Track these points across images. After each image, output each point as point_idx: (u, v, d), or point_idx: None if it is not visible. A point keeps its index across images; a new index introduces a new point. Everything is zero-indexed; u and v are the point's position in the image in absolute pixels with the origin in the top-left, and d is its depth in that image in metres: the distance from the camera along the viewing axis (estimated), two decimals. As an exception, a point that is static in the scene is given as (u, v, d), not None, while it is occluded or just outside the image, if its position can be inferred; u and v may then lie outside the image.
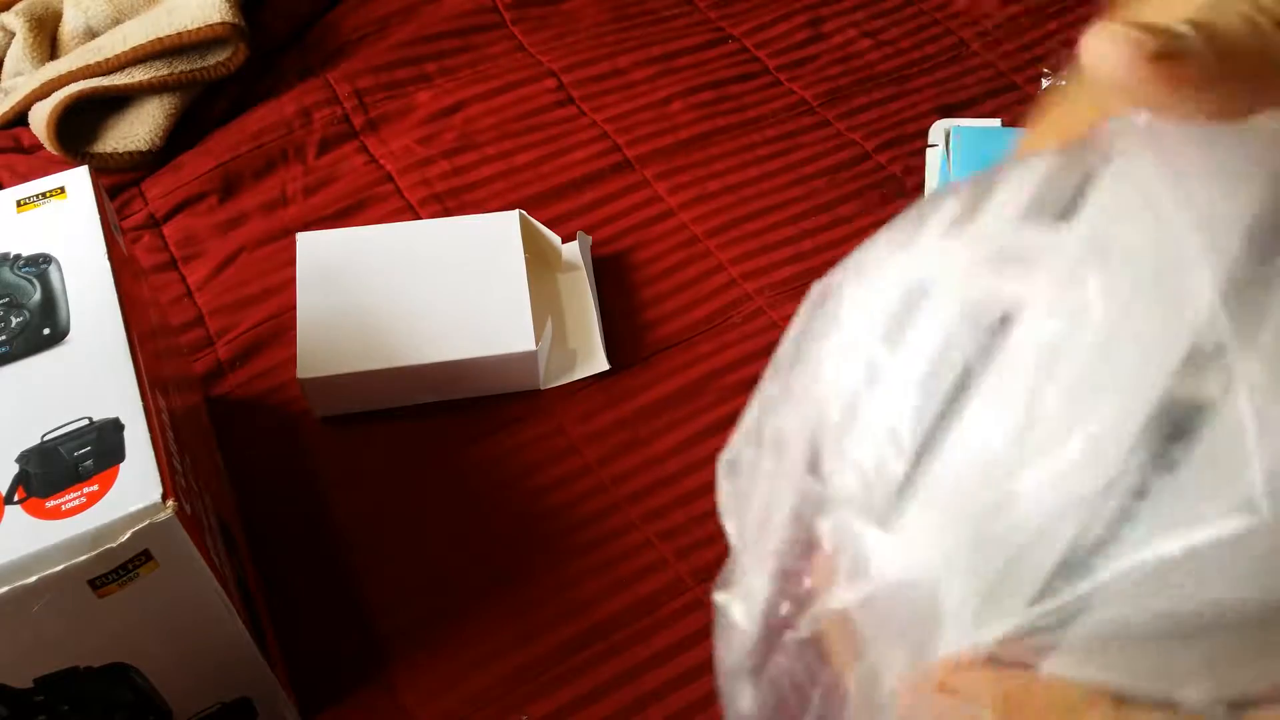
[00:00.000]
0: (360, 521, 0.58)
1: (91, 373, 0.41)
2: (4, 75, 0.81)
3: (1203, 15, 0.20)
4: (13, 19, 0.81)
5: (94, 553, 0.37)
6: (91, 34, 0.80)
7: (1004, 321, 0.19)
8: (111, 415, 0.40)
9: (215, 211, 0.72)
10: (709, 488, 0.58)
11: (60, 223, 0.47)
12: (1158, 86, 0.20)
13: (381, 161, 0.74)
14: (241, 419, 0.62)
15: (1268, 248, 0.18)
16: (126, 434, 0.39)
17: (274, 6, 0.83)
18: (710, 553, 0.55)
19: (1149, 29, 0.20)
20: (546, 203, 0.71)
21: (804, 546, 0.21)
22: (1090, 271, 0.19)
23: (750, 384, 0.63)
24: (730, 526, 0.23)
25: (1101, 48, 0.20)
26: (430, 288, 0.62)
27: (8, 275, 0.45)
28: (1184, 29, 0.20)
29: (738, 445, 0.24)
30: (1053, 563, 0.18)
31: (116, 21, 0.80)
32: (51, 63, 0.78)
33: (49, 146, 0.73)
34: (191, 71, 0.75)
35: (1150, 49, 0.19)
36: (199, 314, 0.67)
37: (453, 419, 0.61)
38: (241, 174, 0.74)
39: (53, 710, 0.41)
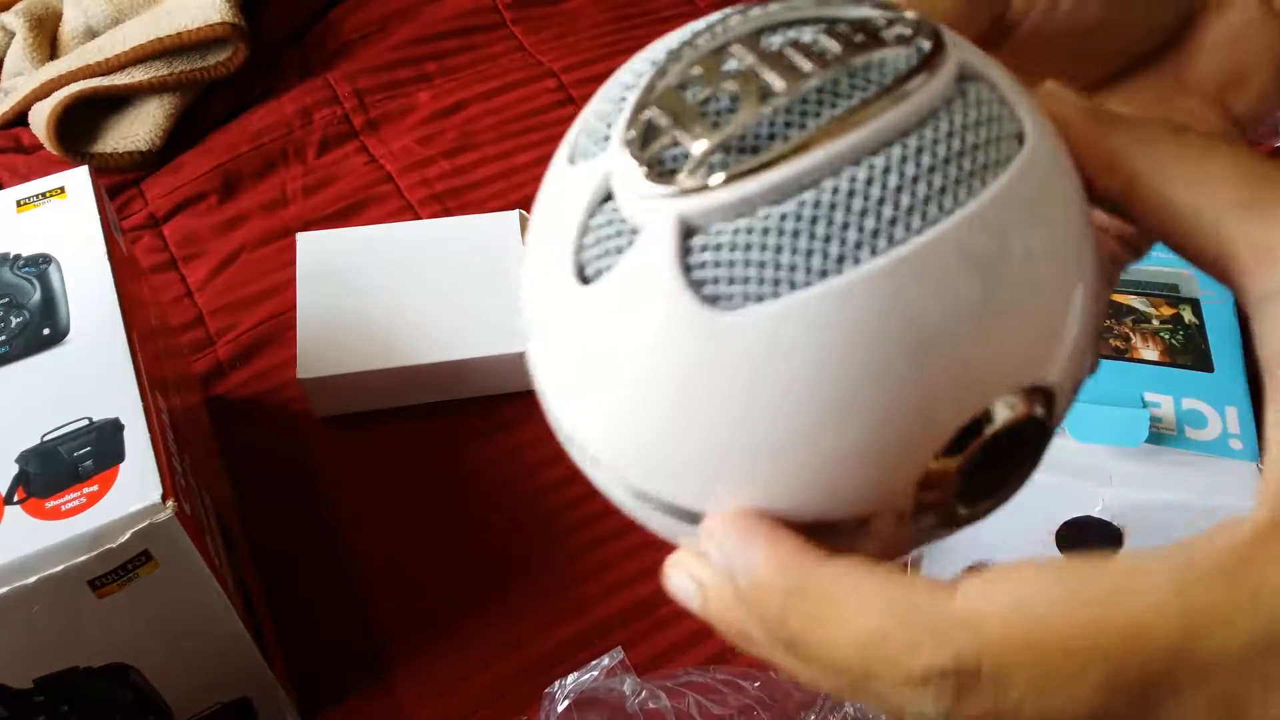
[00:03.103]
0: (360, 521, 0.58)
1: (91, 373, 0.41)
2: (4, 75, 0.81)
3: None
4: (13, 19, 0.81)
5: (94, 553, 0.37)
6: (91, 34, 0.80)
7: None
8: (111, 415, 0.40)
9: (215, 211, 0.72)
10: (709, 488, 0.58)
11: (60, 223, 0.47)
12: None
13: (381, 161, 0.74)
14: (241, 419, 0.62)
15: None
16: (126, 434, 0.39)
17: (274, 6, 0.83)
18: (710, 553, 0.55)
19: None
20: (546, 203, 0.71)
21: None
22: None
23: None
24: None
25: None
26: (430, 288, 0.62)
27: (8, 275, 0.45)
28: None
29: None
30: None
31: (116, 21, 0.80)
32: (51, 63, 0.78)
33: (49, 146, 0.73)
34: (191, 71, 0.75)
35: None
36: (199, 314, 0.67)
37: (453, 419, 0.61)
38: (241, 174, 0.74)
39: (53, 710, 0.41)
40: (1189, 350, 0.47)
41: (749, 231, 0.18)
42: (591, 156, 0.20)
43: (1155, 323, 0.48)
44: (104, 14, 0.80)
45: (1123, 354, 0.47)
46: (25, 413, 0.40)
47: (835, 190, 0.17)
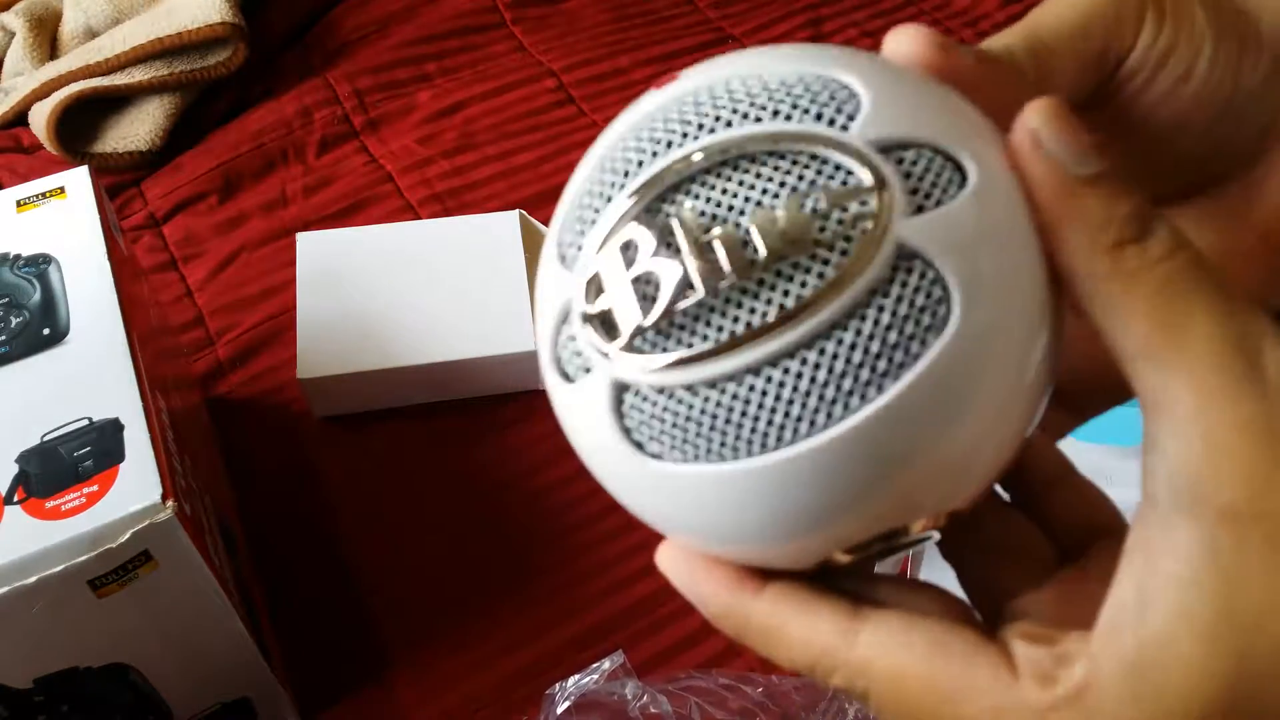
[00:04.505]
0: (360, 521, 0.58)
1: (91, 373, 0.41)
2: (4, 75, 0.81)
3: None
4: (13, 19, 0.81)
5: (94, 553, 0.37)
6: (91, 34, 0.80)
7: None
8: (111, 415, 0.40)
9: (215, 211, 0.72)
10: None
11: (60, 223, 0.47)
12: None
13: (381, 161, 0.74)
14: (241, 419, 0.62)
15: None
16: (126, 434, 0.39)
17: (274, 6, 0.83)
18: (710, 553, 0.55)
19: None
20: (546, 203, 0.71)
21: None
22: None
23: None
24: None
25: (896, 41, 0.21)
26: (430, 288, 0.62)
27: (8, 275, 0.45)
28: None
29: None
30: None
31: (116, 21, 0.80)
32: (51, 63, 0.78)
33: (49, 146, 0.73)
34: (191, 71, 0.75)
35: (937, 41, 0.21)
36: (199, 314, 0.67)
37: (453, 419, 0.61)
38: (241, 174, 0.74)
39: (52, 710, 0.41)
40: (1189, 350, 0.47)
41: (671, 410, 0.20)
42: (563, 265, 0.22)
43: (1155, 323, 0.48)
44: (104, 14, 0.80)
45: (1123, 354, 0.47)
46: (25, 413, 0.40)
47: (751, 389, 0.19)
